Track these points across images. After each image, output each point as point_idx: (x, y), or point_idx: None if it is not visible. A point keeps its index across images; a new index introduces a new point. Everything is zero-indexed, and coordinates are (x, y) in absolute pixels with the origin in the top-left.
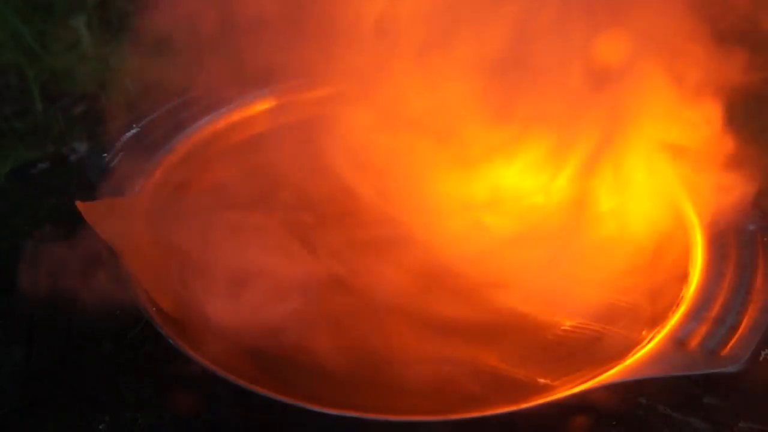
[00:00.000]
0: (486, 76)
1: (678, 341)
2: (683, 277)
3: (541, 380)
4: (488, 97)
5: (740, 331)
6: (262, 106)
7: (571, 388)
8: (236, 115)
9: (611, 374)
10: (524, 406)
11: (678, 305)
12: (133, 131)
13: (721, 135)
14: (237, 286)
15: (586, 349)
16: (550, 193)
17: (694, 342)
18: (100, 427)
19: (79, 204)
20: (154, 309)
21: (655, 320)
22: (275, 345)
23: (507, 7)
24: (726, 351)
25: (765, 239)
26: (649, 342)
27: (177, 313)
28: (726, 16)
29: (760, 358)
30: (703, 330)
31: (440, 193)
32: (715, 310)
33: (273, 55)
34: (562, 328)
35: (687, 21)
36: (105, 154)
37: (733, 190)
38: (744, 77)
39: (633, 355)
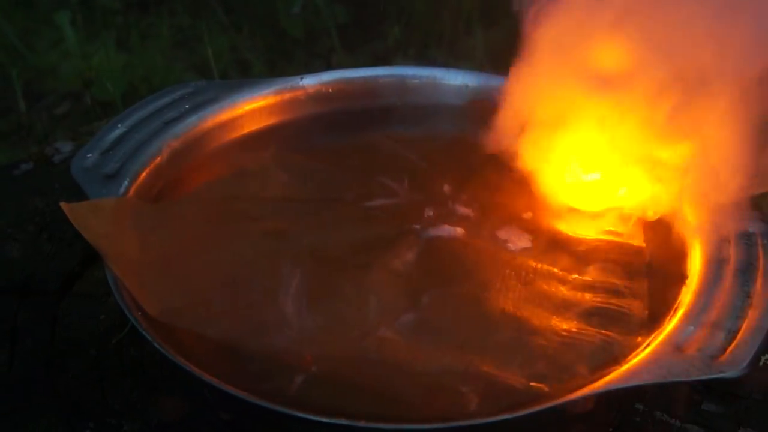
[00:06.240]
0: None
1: (676, 346)
2: (681, 281)
3: (536, 386)
4: None
5: (740, 335)
6: (252, 105)
7: (567, 394)
8: (225, 115)
9: (607, 380)
10: (518, 413)
11: (675, 309)
12: (119, 131)
13: (720, 136)
14: (225, 291)
15: (582, 354)
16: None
17: (693, 347)
18: None
19: (63, 205)
20: (140, 313)
21: (652, 325)
22: (264, 351)
23: None
24: (725, 356)
25: (764, 241)
26: (646, 347)
27: (163, 318)
28: None
29: (760, 364)
30: (701, 335)
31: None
32: (714, 314)
33: None
34: (557, 333)
35: None
36: (89, 155)
37: (731, 191)
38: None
39: (629, 360)
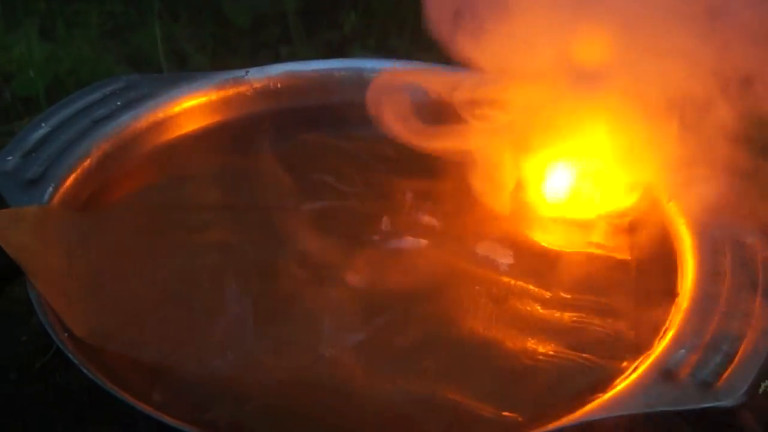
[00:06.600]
0: None
1: (665, 372)
2: (671, 298)
3: (508, 416)
4: None
5: (736, 360)
6: (191, 101)
7: (544, 425)
8: (161, 113)
9: (589, 410)
10: None
11: (665, 330)
12: (43, 131)
13: (717, 140)
14: (161, 310)
15: (561, 380)
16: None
17: (684, 372)
18: None
19: None
20: (66, 334)
21: (639, 348)
22: (205, 377)
23: None
24: (720, 383)
25: (764, 253)
26: (632, 373)
27: (92, 340)
28: None
29: (760, 391)
30: (693, 359)
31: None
32: (708, 335)
33: None
34: (532, 357)
35: None
36: (9, 158)
37: (728, 198)
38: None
39: (613, 387)
